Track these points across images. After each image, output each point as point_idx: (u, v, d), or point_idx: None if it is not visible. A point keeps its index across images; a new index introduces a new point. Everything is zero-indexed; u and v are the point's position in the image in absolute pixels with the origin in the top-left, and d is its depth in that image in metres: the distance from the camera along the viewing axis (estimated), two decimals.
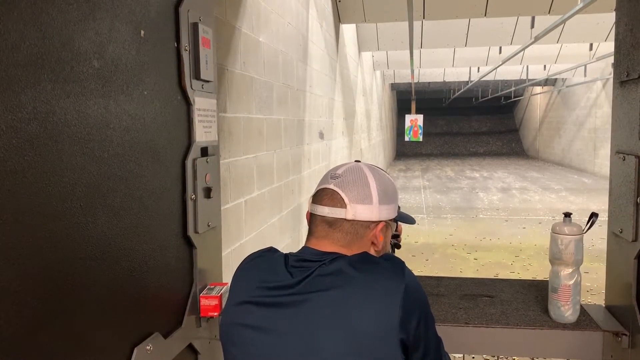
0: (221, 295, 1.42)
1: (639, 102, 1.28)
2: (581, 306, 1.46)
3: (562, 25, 7.77)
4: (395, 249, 1.30)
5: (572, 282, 1.39)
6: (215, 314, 1.41)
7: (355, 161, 1.09)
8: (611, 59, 1.45)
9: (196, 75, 1.36)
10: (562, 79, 18.97)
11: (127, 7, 1.08)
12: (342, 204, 0.99)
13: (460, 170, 19.13)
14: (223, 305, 1.40)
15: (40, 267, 0.85)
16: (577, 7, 4.69)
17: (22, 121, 0.80)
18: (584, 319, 1.44)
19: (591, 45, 10.96)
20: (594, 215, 1.38)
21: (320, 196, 1.02)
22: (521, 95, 25.97)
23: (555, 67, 13.78)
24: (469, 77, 15.60)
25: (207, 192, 1.42)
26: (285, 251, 1.05)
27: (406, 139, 9.84)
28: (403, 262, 0.97)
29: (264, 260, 1.04)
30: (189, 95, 1.33)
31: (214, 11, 1.53)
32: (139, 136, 1.12)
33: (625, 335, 1.35)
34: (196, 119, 1.37)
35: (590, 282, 5.30)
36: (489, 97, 21.83)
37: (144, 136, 1.14)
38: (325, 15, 6.08)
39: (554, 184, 14.58)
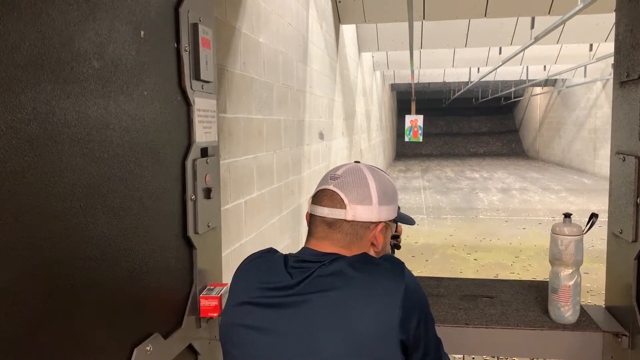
0: (221, 295, 1.42)
1: (639, 103, 1.28)
2: (581, 307, 1.46)
3: (562, 26, 7.77)
4: (395, 250, 1.30)
5: (572, 282, 1.39)
6: (215, 314, 1.41)
7: (355, 162, 1.09)
8: (611, 60, 1.45)
9: (196, 75, 1.36)
10: (562, 79, 18.97)
11: (127, 7, 1.08)
12: (342, 205, 0.99)
13: (460, 170, 19.13)
14: (223, 306, 1.40)
15: (40, 268, 0.85)
16: (577, 8, 4.69)
17: (22, 122, 0.80)
18: (584, 320, 1.44)
19: (591, 45, 10.97)
20: (593, 216, 1.38)
21: (320, 197, 1.02)
22: (521, 96, 25.97)
23: (555, 67, 13.79)
24: (469, 78, 15.60)
25: (207, 192, 1.42)
26: (285, 252, 1.05)
27: (406, 139, 9.83)
28: (403, 263, 0.97)
29: (263, 261, 1.04)
30: (189, 96, 1.33)
31: (214, 12, 1.53)
32: (138, 137, 1.12)
33: (625, 335, 1.35)
34: (196, 119, 1.37)
35: (590, 283, 5.30)
36: (489, 97, 21.83)
37: (143, 137, 1.14)
38: (325, 15, 6.08)
39: (554, 184, 14.58)
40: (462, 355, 1.53)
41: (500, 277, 5.43)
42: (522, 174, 17.45)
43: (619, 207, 1.38)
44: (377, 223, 1.01)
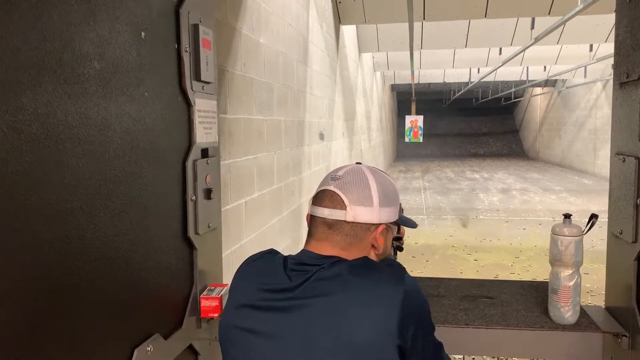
0: (221, 296, 1.42)
1: (638, 104, 1.29)
2: (581, 307, 1.46)
3: (562, 26, 7.77)
4: (398, 252, 1.30)
5: (572, 283, 1.39)
6: (216, 315, 1.41)
7: (357, 163, 1.08)
8: (611, 60, 1.45)
9: (197, 76, 1.36)
10: (562, 80, 18.98)
11: (128, 8, 1.08)
12: (342, 206, 0.98)
13: (460, 171, 19.13)
14: (223, 307, 1.40)
15: (41, 268, 0.85)
16: (577, 8, 4.70)
17: (23, 123, 0.80)
18: (584, 320, 1.44)
19: (591, 46, 10.97)
20: (593, 217, 1.38)
21: (321, 198, 1.02)
22: (521, 96, 25.97)
23: (556, 68, 13.79)
24: (469, 78, 15.61)
25: (208, 193, 1.42)
26: (285, 252, 1.05)
27: (406, 140, 9.83)
28: (404, 268, 0.96)
29: (263, 262, 1.04)
30: (189, 97, 1.33)
31: (215, 13, 1.53)
32: (139, 137, 1.12)
33: (625, 336, 1.35)
34: (197, 120, 1.37)
35: (590, 284, 5.30)
36: (489, 98, 21.82)
37: (144, 137, 1.14)
38: (325, 16, 6.08)
39: (554, 185, 14.58)
40: (462, 356, 1.53)
41: (500, 278, 5.43)
42: (522, 175, 17.45)
43: (619, 208, 1.39)
44: (377, 225, 1.01)
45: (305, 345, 0.89)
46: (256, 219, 3.28)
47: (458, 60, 12.05)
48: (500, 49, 11.15)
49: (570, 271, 1.39)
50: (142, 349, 1.13)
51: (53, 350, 0.88)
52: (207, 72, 1.40)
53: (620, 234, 1.37)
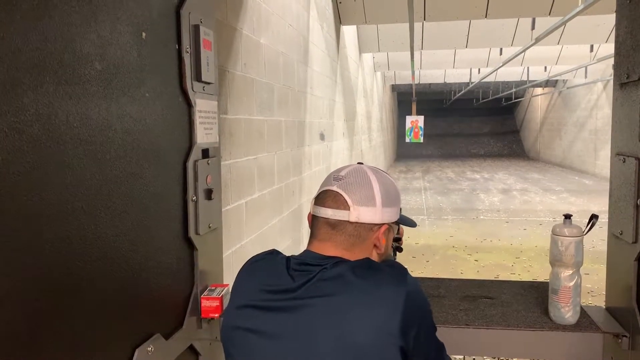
0: (222, 296, 1.42)
1: (639, 104, 1.29)
2: (581, 308, 1.46)
3: (562, 27, 7.77)
4: (397, 252, 1.30)
5: (572, 283, 1.39)
6: (216, 315, 1.41)
7: (358, 163, 1.09)
8: (612, 61, 1.45)
9: (197, 77, 1.36)
10: (563, 80, 18.97)
11: (129, 9, 1.08)
12: (345, 206, 0.98)
13: (461, 171, 19.13)
14: (224, 307, 1.40)
15: (41, 268, 0.85)
16: (578, 9, 4.70)
17: (24, 123, 0.80)
18: (584, 321, 1.44)
19: (592, 46, 10.97)
20: (594, 217, 1.38)
21: (323, 198, 1.01)
22: (522, 97, 25.97)
23: (556, 68, 13.79)
24: (470, 79, 15.61)
25: (208, 193, 1.42)
26: (286, 253, 1.05)
27: (407, 140, 9.83)
28: (405, 269, 0.96)
29: (266, 263, 1.04)
30: (190, 97, 1.34)
31: (215, 13, 1.53)
32: (140, 138, 1.13)
33: (626, 336, 1.35)
34: (197, 120, 1.38)
35: (590, 284, 5.30)
36: (490, 98, 21.83)
37: (145, 138, 1.15)
38: (325, 16, 6.08)
39: (554, 185, 14.57)
40: (462, 356, 1.53)
41: (500, 278, 5.43)
42: (522, 175, 17.44)
43: (619, 208, 1.39)
44: (380, 225, 1.01)
45: (307, 346, 0.89)
46: (257, 219, 3.28)
47: (459, 60, 12.05)
48: (501, 49, 11.15)
49: (571, 271, 1.39)
50: (143, 349, 1.13)
51: (54, 350, 0.88)
52: (208, 72, 1.40)
53: (621, 234, 1.38)
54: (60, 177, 0.89)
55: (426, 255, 6.96)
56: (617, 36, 1.41)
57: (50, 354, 0.88)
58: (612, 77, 1.46)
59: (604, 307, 1.53)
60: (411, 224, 1.14)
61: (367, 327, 0.87)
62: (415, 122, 9.60)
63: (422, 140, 9.77)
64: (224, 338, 1.01)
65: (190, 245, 1.37)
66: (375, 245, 1.02)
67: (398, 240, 1.23)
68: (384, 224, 1.01)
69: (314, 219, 1.04)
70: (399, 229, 1.21)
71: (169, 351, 1.25)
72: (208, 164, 1.43)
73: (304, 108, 4.75)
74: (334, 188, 1.00)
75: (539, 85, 20.38)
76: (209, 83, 1.43)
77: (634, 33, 1.31)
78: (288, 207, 4.18)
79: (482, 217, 9.93)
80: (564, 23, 5.26)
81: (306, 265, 0.97)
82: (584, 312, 1.47)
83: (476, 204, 11.41)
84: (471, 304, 1.57)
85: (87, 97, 0.95)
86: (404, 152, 26.52)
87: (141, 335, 1.14)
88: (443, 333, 1.08)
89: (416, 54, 10.49)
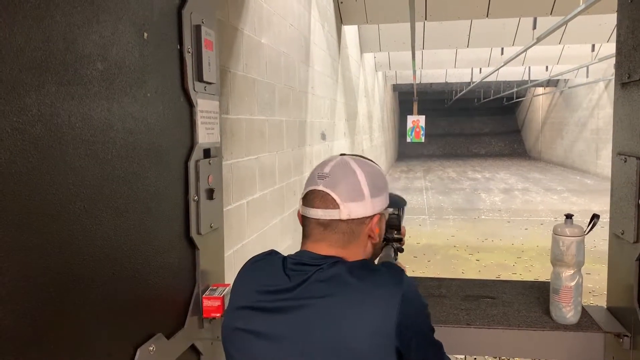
0: (223, 296, 1.42)
1: None
2: (583, 307, 1.46)
3: (564, 26, 7.76)
4: (399, 253, 1.30)
5: (573, 283, 1.39)
6: (218, 314, 1.41)
7: (341, 155, 1.05)
8: (613, 60, 1.45)
9: (199, 77, 1.36)
10: (564, 80, 18.95)
11: (131, 9, 1.08)
12: (335, 205, 0.97)
13: (462, 171, 19.11)
14: (225, 306, 1.40)
15: (43, 268, 0.85)
16: (579, 8, 4.69)
17: (26, 123, 0.81)
18: (586, 320, 1.44)
19: (593, 46, 10.96)
20: (595, 217, 1.38)
21: (311, 199, 1.00)
22: (523, 96, 25.94)
23: (558, 68, 13.78)
24: (471, 78, 15.60)
25: (210, 193, 1.43)
26: (287, 252, 1.05)
27: (408, 140, 9.83)
28: (402, 270, 0.96)
29: (264, 263, 1.03)
30: (191, 97, 1.34)
31: (217, 13, 1.53)
32: (142, 138, 1.13)
33: (627, 336, 1.35)
34: (199, 120, 1.38)
35: (592, 284, 5.29)
36: (491, 98, 21.81)
37: (147, 138, 1.15)
38: (327, 16, 6.08)
39: (556, 185, 14.56)
40: (463, 356, 1.53)
41: (502, 278, 5.43)
42: (524, 175, 17.43)
43: (621, 208, 1.39)
44: (372, 216, 1.00)
45: (302, 347, 0.89)
46: (258, 219, 3.28)
47: (460, 60, 12.04)
48: (502, 49, 11.14)
49: (572, 271, 1.39)
50: (145, 348, 1.13)
51: (55, 350, 0.89)
52: (209, 72, 1.41)
53: (622, 234, 1.37)
54: (62, 177, 0.89)
55: (427, 255, 6.96)
56: (618, 36, 1.41)
57: (52, 353, 0.88)
58: (614, 76, 1.46)
59: (606, 307, 1.53)
60: (401, 203, 1.12)
61: (363, 327, 0.87)
62: (416, 121, 9.60)
63: (423, 140, 9.78)
64: (224, 339, 1.01)
65: (192, 245, 1.38)
66: (369, 236, 1.01)
67: (399, 240, 1.22)
68: (375, 214, 1.00)
69: (304, 219, 1.02)
70: (400, 229, 1.21)
71: (171, 351, 1.25)
72: (209, 163, 1.43)
73: (305, 108, 4.75)
74: (320, 187, 0.98)
75: (540, 84, 20.36)
76: (210, 83, 1.43)
77: (636, 33, 1.31)
78: (289, 206, 4.18)
79: (483, 216, 9.92)
80: (566, 23, 5.26)
81: (303, 265, 0.97)
82: (585, 312, 1.47)
83: (477, 204, 11.40)
84: (472, 303, 1.57)
85: (89, 97, 0.95)
86: (405, 151, 26.51)
87: (143, 334, 1.14)
88: (444, 333, 1.08)
89: (417, 53, 10.49)
